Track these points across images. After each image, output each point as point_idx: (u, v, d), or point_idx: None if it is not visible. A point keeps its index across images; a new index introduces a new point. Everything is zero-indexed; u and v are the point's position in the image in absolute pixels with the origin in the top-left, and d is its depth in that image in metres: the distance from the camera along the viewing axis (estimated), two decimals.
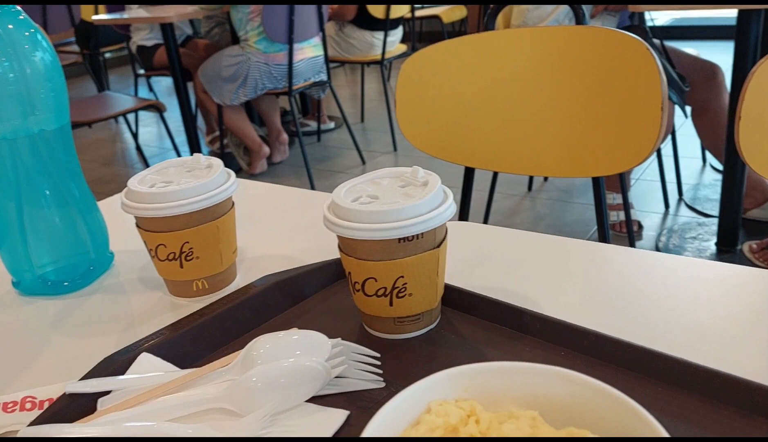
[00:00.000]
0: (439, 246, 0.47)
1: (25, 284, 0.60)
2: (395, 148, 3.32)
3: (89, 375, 0.44)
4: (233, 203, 0.58)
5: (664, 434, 0.28)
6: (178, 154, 3.00)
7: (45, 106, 0.56)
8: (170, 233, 0.53)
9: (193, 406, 0.41)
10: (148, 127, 4.14)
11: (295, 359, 0.42)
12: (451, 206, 0.47)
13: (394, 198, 0.46)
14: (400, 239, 0.45)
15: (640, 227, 2.24)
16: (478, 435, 0.32)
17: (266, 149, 3.07)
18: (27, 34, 0.55)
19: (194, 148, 2.97)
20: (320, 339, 0.43)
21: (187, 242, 0.54)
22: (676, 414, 0.39)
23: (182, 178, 0.55)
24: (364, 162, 3.18)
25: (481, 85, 1.07)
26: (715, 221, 2.14)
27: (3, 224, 0.58)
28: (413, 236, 0.45)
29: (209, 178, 0.54)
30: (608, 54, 0.96)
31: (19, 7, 0.56)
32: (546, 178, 2.75)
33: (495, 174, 2.10)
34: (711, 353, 0.44)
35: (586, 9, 1.76)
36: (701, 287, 0.54)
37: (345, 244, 0.47)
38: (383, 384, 0.44)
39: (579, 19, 1.09)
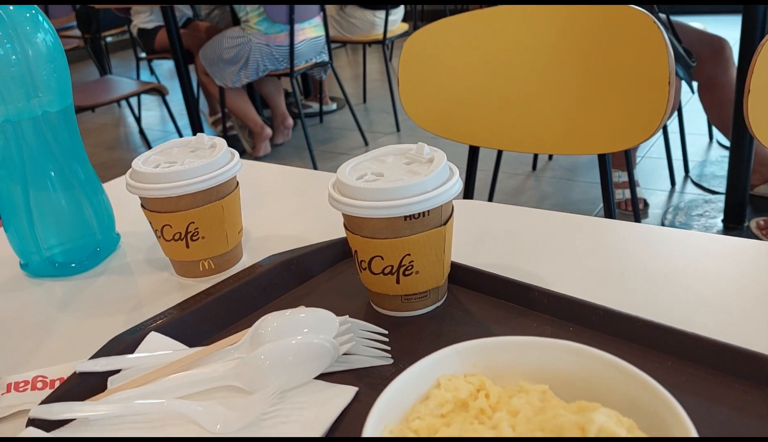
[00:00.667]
0: (445, 223, 0.47)
1: (33, 265, 0.60)
2: (398, 129, 3.30)
3: (99, 354, 0.45)
4: (238, 183, 0.58)
5: (676, 405, 0.28)
6: (181, 137, 2.99)
7: (48, 87, 0.55)
8: (175, 214, 0.53)
9: (203, 384, 0.41)
10: (151, 110, 4.13)
11: (303, 336, 0.42)
12: (458, 183, 0.46)
13: (399, 175, 0.46)
14: (406, 217, 0.44)
15: (646, 204, 2.23)
16: (488, 409, 0.32)
17: (268, 131, 3.06)
18: (28, 15, 0.55)
19: (197, 131, 2.96)
20: (328, 316, 0.43)
21: (193, 222, 0.54)
22: (686, 388, 0.39)
23: (186, 159, 0.55)
24: (366, 143, 3.16)
25: (485, 62, 1.05)
26: (722, 197, 2.12)
27: (10, 207, 0.58)
28: (419, 214, 0.45)
29: (213, 158, 0.54)
30: (615, 28, 0.95)
31: None
32: (550, 157, 2.73)
33: (499, 153, 2.09)
34: (719, 327, 0.44)
35: None
36: (708, 261, 0.53)
37: (351, 222, 0.47)
38: (391, 361, 0.44)
39: None
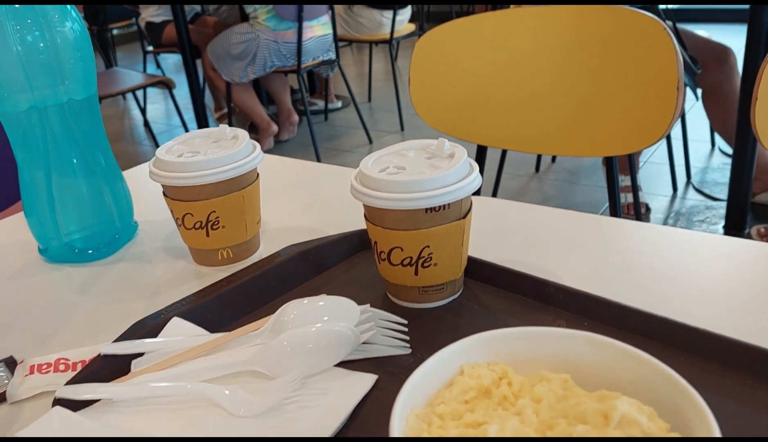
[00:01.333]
0: (464, 217, 0.48)
1: (52, 251, 0.61)
2: (402, 128, 3.31)
3: (122, 338, 0.46)
4: (258, 174, 0.58)
5: (696, 396, 0.29)
6: (187, 131, 3.00)
7: (74, 75, 0.56)
8: (197, 202, 0.54)
9: (226, 368, 0.42)
10: (156, 104, 4.14)
11: (324, 323, 0.43)
12: (477, 178, 0.47)
13: (421, 169, 0.47)
14: (427, 209, 0.45)
15: (648, 209, 2.24)
16: (511, 396, 0.32)
17: (274, 127, 3.07)
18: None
19: (202, 125, 2.97)
20: (349, 305, 0.44)
21: (214, 211, 0.54)
22: (699, 383, 0.39)
23: (209, 149, 0.56)
24: (371, 141, 3.17)
25: (495, 63, 1.06)
26: (723, 204, 2.13)
27: (32, 192, 0.59)
28: (440, 207, 0.46)
29: (236, 149, 0.55)
30: (624, 33, 0.96)
31: None
32: (553, 160, 2.74)
33: (503, 154, 2.10)
34: (730, 324, 0.45)
35: None
36: (715, 261, 0.54)
37: (372, 213, 0.48)
38: (410, 350, 0.45)
39: None
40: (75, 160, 0.59)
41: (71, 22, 0.56)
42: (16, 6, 0.54)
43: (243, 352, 0.43)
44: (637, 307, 0.45)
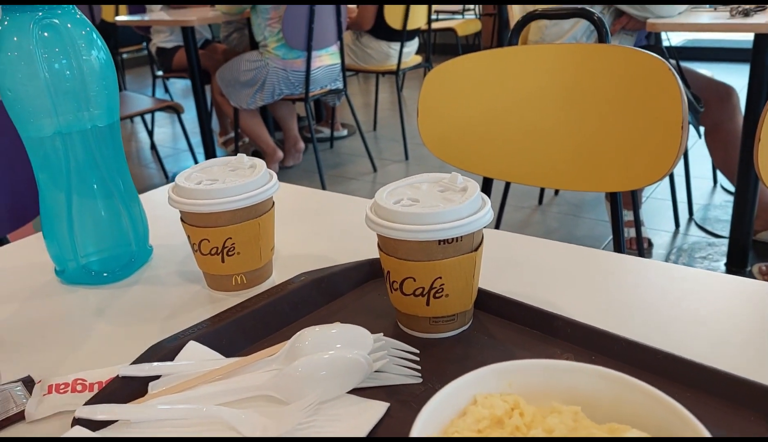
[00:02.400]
0: (476, 250, 0.49)
1: (69, 272, 0.62)
2: (407, 157, 3.35)
3: (140, 360, 0.46)
4: (273, 203, 0.60)
5: (705, 433, 0.30)
6: (194, 155, 3.03)
7: (98, 103, 0.58)
8: (215, 229, 0.55)
9: (241, 392, 0.43)
10: (163, 127, 4.19)
11: (338, 350, 0.44)
12: (489, 212, 0.49)
13: (434, 202, 0.48)
14: (440, 241, 0.47)
15: (650, 244, 2.25)
16: (523, 427, 0.33)
17: (280, 153, 3.10)
18: (83, 32, 0.58)
19: (209, 149, 3.01)
20: (362, 333, 0.45)
21: (230, 238, 0.56)
22: (704, 418, 0.40)
23: (227, 177, 0.57)
24: (375, 169, 3.20)
25: (501, 98, 1.09)
26: (725, 241, 2.15)
27: (52, 214, 0.60)
28: (452, 239, 0.47)
29: (254, 178, 0.56)
30: (629, 72, 0.98)
31: (76, 7, 0.59)
32: (557, 193, 2.76)
33: (507, 186, 2.12)
34: (734, 362, 0.46)
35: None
36: (718, 299, 0.55)
37: (386, 244, 0.49)
38: (421, 380, 0.45)
39: (602, 37, 1.11)
40: (95, 185, 0.61)
41: (97, 51, 0.58)
42: (45, 34, 0.56)
43: (258, 377, 0.44)
44: (643, 342, 0.46)
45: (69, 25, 0.57)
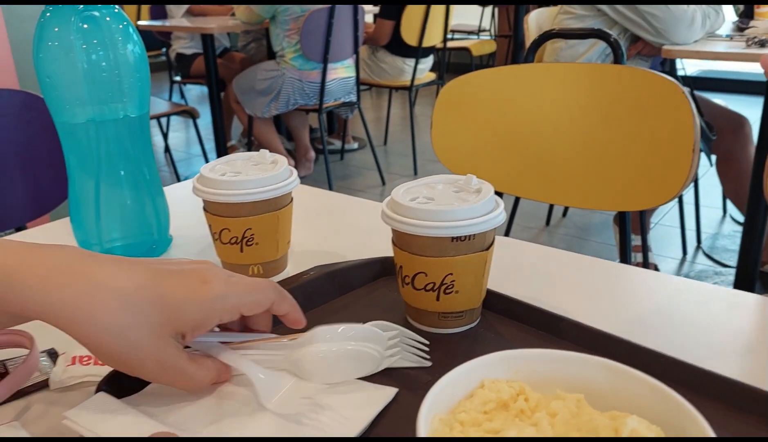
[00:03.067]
0: (487, 249, 0.51)
1: None
2: (416, 172, 3.37)
3: None
4: (292, 198, 0.62)
5: (705, 423, 0.31)
6: (206, 160, 3.07)
7: (131, 94, 0.61)
8: (236, 219, 0.57)
9: (262, 362, 0.45)
10: (177, 132, 4.24)
11: (356, 343, 0.45)
12: (502, 213, 0.51)
13: (449, 200, 0.50)
14: (453, 238, 0.49)
15: (657, 269, 2.25)
16: (528, 410, 0.35)
17: (291, 163, 3.14)
18: (121, 26, 0.60)
19: (222, 154, 3.05)
20: (376, 332, 0.47)
21: (250, 229, 0.58)
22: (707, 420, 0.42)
23: (250, 170, 0.60)
24: (384, 183, 3.23)
25: (515, 114, 1.11)
26: (732, 271, 2.15)
27: (80, 199, 0.63)
28: (465, 237, 0.49)
29: (275, 172, 0.58)
30: (643, 94, 1.01)
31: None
32: (564, 214, 2.78)
33: (515, 204, 2.14)
34: (738, 371, 0.47)
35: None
36: (726, 312, 0.57)
37: (400, 239, 0.51)
38: (430, 364, 0.47)
39: (617, 59, 1.14)
40: (123, 173, 0.63)
41: (133, 45, 0.61)
42: (85, 26, 0.58)
43: (278, 350, 0.45)
44: (647, 346, 0.47)
45: (108, 19, 0.60)
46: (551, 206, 2.72)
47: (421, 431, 0.32)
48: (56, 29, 0.57)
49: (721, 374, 0.44)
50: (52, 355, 0.49)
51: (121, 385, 0.43)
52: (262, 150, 0.63)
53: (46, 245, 0.40)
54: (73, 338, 0.38)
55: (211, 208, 0.59)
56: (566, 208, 2.79)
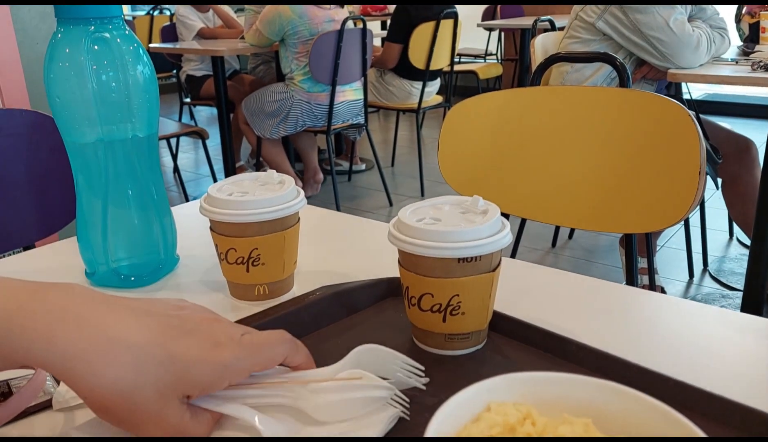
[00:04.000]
0: (494, 270, 0.50)
1: (99, 275, 0.65)
2: (423, 194, 3.38)
3: None
4: (299, 218, 0.62)
5: None
6: (215, 181, 3.09)
7: (140, 114, 0.61)
8: (242, 239, 0.58)
9: (271, 398, 0.44)
10: (186, 153, 4.27)
11: (363, 391, 0.44)
12: (508, 234, 0.50)
13: (456, 221, 0.50)
14: (459, 259, 0.48)
15: (663, 292, 2.24)
16: (535, 435, 0.34)
17: (299, 183, 3.15)
18: (131, 48, 0.61)
19: (231, 176, 3.06)
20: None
21: (256, 249, 0.58)
22: None
23: (257, 190, 0.60)
24: (391, 204, 3.23)
25: (522, 136, 1.12)
26: (739, 294, 2.13)
27: (88, 218, 0.63)
28: (472, 258, 0.49)
29: (282, 193, 0.59)
30: (649, 117, 1.01)
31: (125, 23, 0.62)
32: (570, 236, 2.77)
33: (521, 227, 2.14)
34: (745, 395, 0.47)
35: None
36: (732, 334, 0.56)
37: (406, 259, 0.51)
38: (426, 379, 0.46)
39: (623, 82, 1.14)
40: (131, 192, 0.63)
41: (142, 66, 0.62)
42: (95, 47, 0.59)
43: (283, 393, 0.44)
44: (656, 370, 0.47)
45: (118, 40, 0.60)
46: (557, 228, 2.71)
47: None
48: (67, 50, 0.58)
49: (733, 400, 0.43)
50: None
51: None
52: (269, 170, 0.63)
53: (49, 284, 0.38)
54: (74, 390, 0.36)
55: (217, 228, 0.59)
56: (572, 231, 2.78)
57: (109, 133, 0.61)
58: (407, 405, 0.44)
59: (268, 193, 0.59)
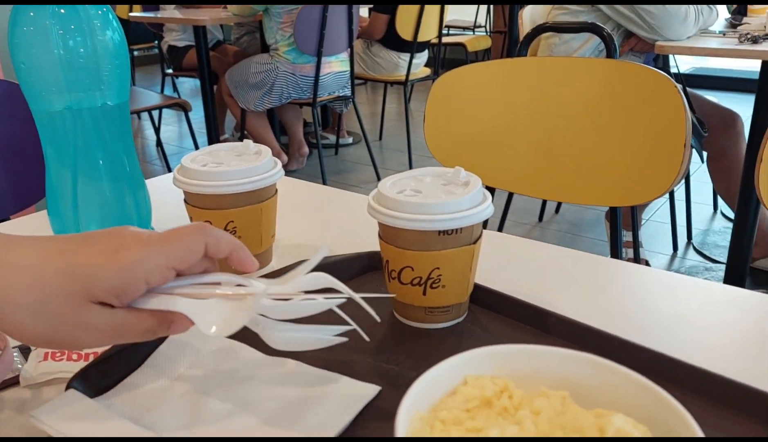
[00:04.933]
0: (475, 243, 0.49)
1: None
2: (411, 168, 3.35)
3: None
4: (276, 190, 0.61)
5: (694, 424, 0.30)
6: None
7: (110, 82, 0.59)
8: (217, 211, 0.56)
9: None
10: (169, 126, 4.21)
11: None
12: (490, 206, 0.49)
13: (436, 193, 0.49)
14: (440, 232, 0.47)
15: (648, 265, 2.25)
16: (512, 408, 0.34)
17: (284, 157, 3.12)
18: (100, 12, 0.59)
19: None
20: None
21: (232, 221, 0.56)
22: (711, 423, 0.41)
23: (232, 161, 0.58)
24: (379, 178, 3.21)
25: (507, 108, 1.10)
26: (722, 267, 2.15)
27: (57, 190, 0.61)
28: (452, 230, 0.48)
29: (258, 163, 0.57)
30: (636, 88, 1.00)
31: None
32: (557, 211, 2.77)
33: (508, 201, 2.13)
34: (724, 366, 0.46)
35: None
36: (718, 308, 0.56)
37: (386, 232, 0.50)
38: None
39: (610, 54, 1.13)
40: (101, 162, 0.61)
41: (111, 31, 0.59)
42: (62, 11, 0.57)
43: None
44: (634, 341, 0.46)
45: (86, 4, 0.58)
46: (544, 203, 2.71)
47: (399, 431, 0.30)
48: (31, 14, 0.56)
49: (711, 371, 0.43)
50: (24, 350, 0.47)
51: (94, 382, 0.42)
52: (246, 141, 0.61)
53: None
54: None
55: (192, 200, 0.57)
56: (559, 205, 2.78)
57: (77, 101, 0.58)
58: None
59: (244, 164, 0.57)
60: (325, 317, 0.42)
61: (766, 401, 0.40)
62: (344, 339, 0.42)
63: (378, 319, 0.43)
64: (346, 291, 0.41)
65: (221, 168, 0.56)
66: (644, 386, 0.33)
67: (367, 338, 0.43)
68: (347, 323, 0.42)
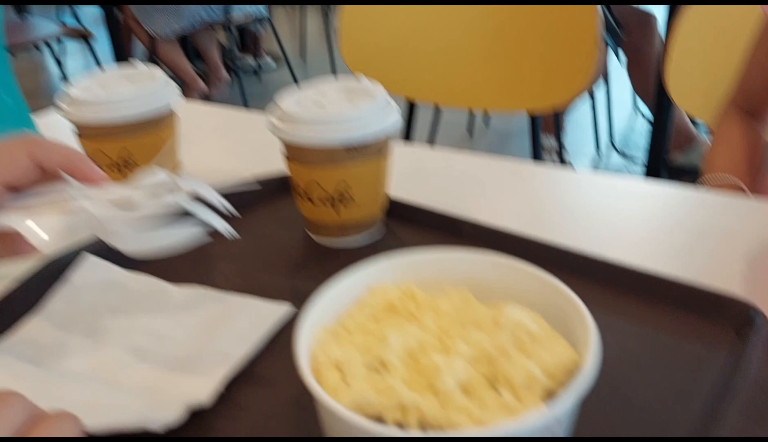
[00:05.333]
0: (383, 156, 0.48)
1: None
2: None
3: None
4: (175, 114, 0.57)
5: (583, 308, 0.32)
6: None
7: None
8: (109, 141, 0.52)
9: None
10: (75, 59, 3.91)
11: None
12: (396, 116, 0.48)
13: (339, 106, 0.47)
14: (346, 147, 0.46)
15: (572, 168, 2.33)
16: (417, 312, 0.34)
17: (201, 84, 2.97)
18: None
19: None
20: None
21: (126, 148, 0.53)
22: (590, 301, 0.42)
23: (123, 86, 0.54)
24: None
25: (423, 16, 1.07)
26: (643, 166, 2.24)
27: None
28: (359, 144, 0.46)
29: (151, 86, 0.53)
30: None
31: None
32: (487, 125, 2.80)
33: (435, 117, 2.13)
34: (638, 258, 0.48)
35: None
36: (633, 203, 0.58)
37: (291, 150, 0.48)
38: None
39: None
40: None
41: None
42: None
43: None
44: (539, 239, 0.47)
45: None
46: (472, 116, 2.72)
47: (301, 344, 0.30)
48: None
49: (601, 258, 0.45)
50: None
51: None
52: (136, 62, 0.57)
53: None
54: None
55: (83, 132, 0.53)
56: (488, 118, 2.80)
57: None
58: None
59: (136, 88, 0.53)
60: None
61: (641, 278, 0.43)
62: (209, 239, 0.39)
63: (237, 213, 0.40)
64: (194, 188, 0.38)
65: (111, 94, 0.52)
66: (537, 276, 0.34)
67: (234, 235, 0.40)
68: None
